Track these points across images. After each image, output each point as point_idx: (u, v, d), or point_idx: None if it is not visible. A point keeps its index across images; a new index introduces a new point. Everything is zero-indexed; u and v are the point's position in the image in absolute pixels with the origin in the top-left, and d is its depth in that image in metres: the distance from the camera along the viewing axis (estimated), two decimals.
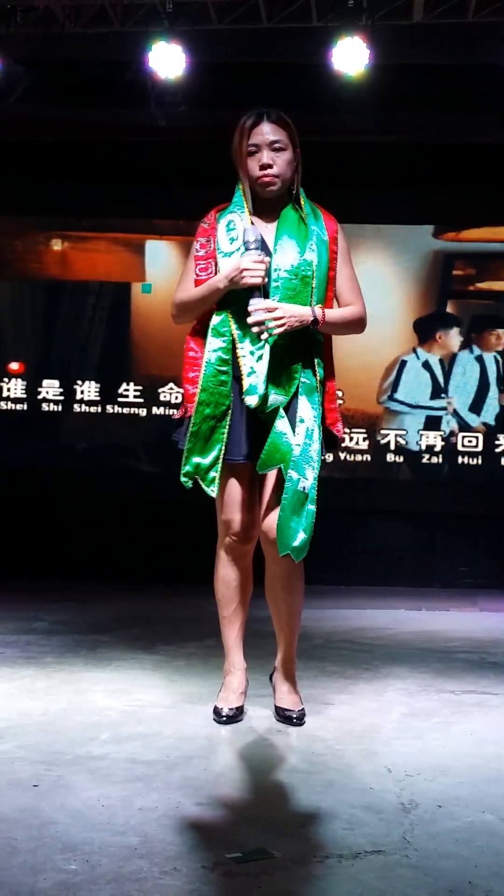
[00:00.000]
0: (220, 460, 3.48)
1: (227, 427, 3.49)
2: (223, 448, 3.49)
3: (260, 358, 3.45)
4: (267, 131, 3.54)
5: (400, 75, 7.23)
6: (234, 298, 3.50)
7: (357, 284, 3.66)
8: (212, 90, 7.16)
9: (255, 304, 3.41)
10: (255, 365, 3.45)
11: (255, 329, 3.41)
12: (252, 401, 3.43)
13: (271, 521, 3.48)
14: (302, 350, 3.51)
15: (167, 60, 6.73)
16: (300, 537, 3.38)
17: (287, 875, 2.33)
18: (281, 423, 3.43)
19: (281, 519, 3.39)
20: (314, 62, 6.84)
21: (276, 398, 3.46)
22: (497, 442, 8.31)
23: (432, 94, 7.54)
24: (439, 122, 7.82)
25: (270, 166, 3.52)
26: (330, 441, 3.64)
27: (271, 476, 3.52)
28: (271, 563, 3.58)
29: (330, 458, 3.75)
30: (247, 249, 3.43)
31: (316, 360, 3.54)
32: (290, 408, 3.48)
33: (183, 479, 3.50)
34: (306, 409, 3.47)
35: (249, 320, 3.42)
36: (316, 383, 3.50)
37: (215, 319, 3.53)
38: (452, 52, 7.12)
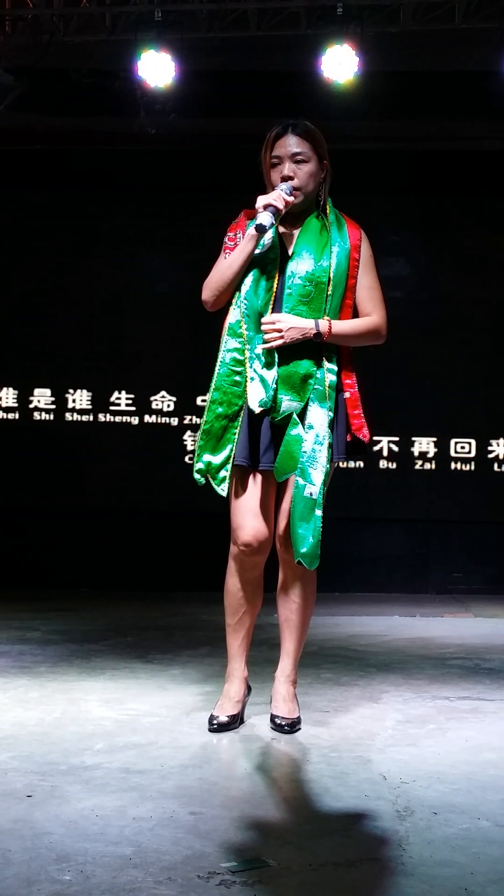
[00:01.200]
0: (231, 461, 3.47)
1: (238, 427, 3.48)
2: (234, 448, 3.48)
3: (267, 365, 3.45)
4: (290, 143, 3.55)
5: (389, 82, 7.26)
6: (250, 302, 3.49)
7: (378, 294, 3.64)
8: (202, 98, 7.18)
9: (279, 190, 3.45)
10: (261, 371, 3.45)
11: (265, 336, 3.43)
12: (254, 407, 3.42)
13: (287, 527, 3.49)
14: (314, 355, 3.51)
15: (157, 68, 6.75)
16: (309, 542, 3.39)
17: (282, 884, 2.32)
18: (295, 430, 3.43)
19: (291, 526, 3.40)
20: (304, 70, 6.86)
21: (290, 404, 3.46)
22: (490, 448, 8.32)
23: (422, 101, 7.57)
24: (429, 129, 7.85)
25: (291, 178, 3.53)
26: (358, 447, 3.64)
27: (289, 483, 3.51)
28: (286, 568, 3.60)
29: (362, 464, 3.75)
30: (256, 230, 3.43)
31: (328, 366, 3.53)
32: (301, 414, 3.47)
33: (196, 475, 3.50)
34: (317, 415, 3.46)
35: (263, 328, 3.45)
36: (325, 388, 3.50)
37: (232, 317, 3.53)
38: (441, 58, 7.14)
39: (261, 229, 3.41)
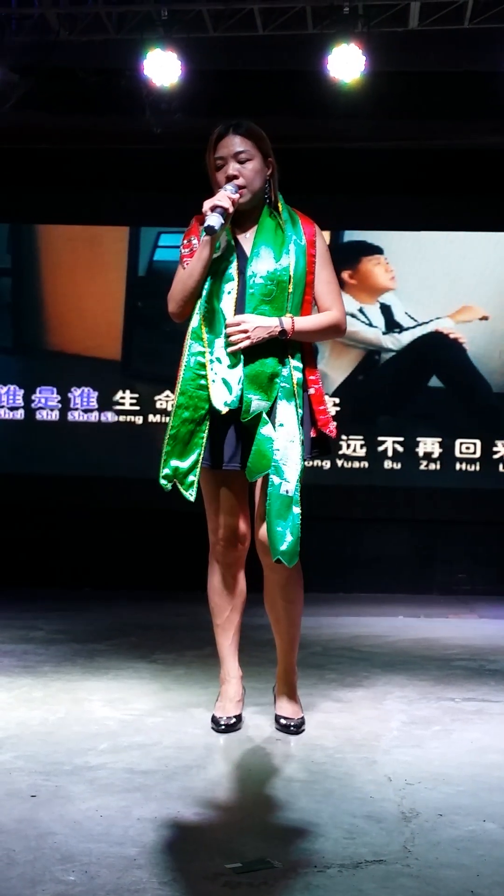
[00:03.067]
0: (199, 465, 3.46)
1: (206, 431, 3.47)
2: (202, 453, 3.47)
3: (231, 366, 3.44)
4: (233, 143, 3.54)
5: (396, 82, 7.25)
6: (209, 304, 3.49)
7: (336, 288, 3.65)
8: (207, 97, 7.16)
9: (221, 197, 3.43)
10: (225, 373, 3.44)
11: (231, 339, 3.42)
12: (220, 408, 3.41)
13: (264, 528, 3.48)
14: (279, 353, 3.50)
15: (162, 68, 6.75)
16: (287, 540, 3.37)
17: (287, 885, 2.31)
18: (266, 429, 3.42)
19: (268, 524, 3.38)
20: (310, 69, 6.85)
21: (258, 403, 3.44)
22: (495, 449, 8.31)
23: (429, 101, 7.56)
24: (436, 129, 7.83)
25: (235, 177, 3.52)
26: (324, 443, 3.63)
27: (261, 483, 3.50)
28: (269, 571, 3.57)
29: (328, 464, 3.74)
30: (206, 233, 3.42)
31: (293, 364, 3.52)
32: (270, 412, 3.46)
33: (162, 481, 3.49)
34: (286, 413, 3.45)
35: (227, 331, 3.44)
36: (293, 386, 3.49)
37: (194, 322, 3.51)
38: (449, 58, 7.13)
39: (211, 231, 3.39)
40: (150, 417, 8.43)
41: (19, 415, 8.50)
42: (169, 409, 8.22)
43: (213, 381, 3.43)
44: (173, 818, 2.70)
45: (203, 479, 3.53)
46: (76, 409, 8.47)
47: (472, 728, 3.74)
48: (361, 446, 8.31)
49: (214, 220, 3.39)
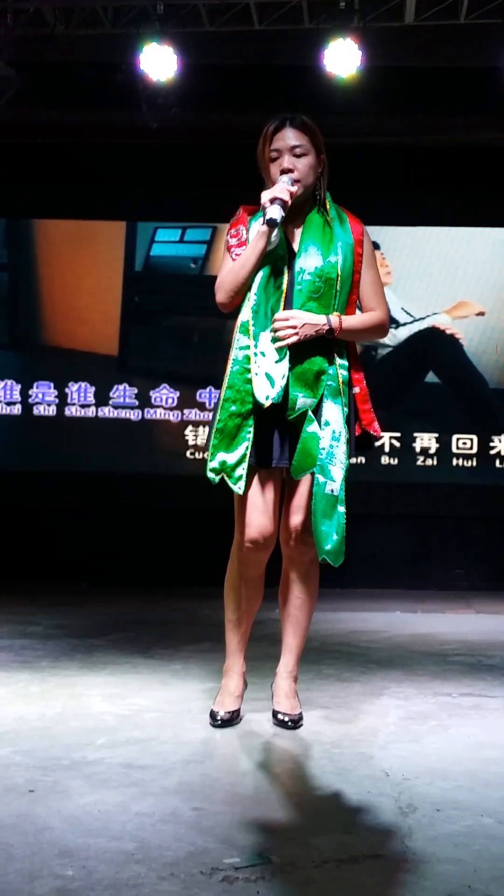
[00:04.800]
0: (247, 459, 3.44)
1: (252, 425, 3.46)
2: (250, 446, 3.45)
3: (277, 361, 3.43)
4: (289, 136, 3.52)
5: (392, 77, 7.24)
6: (258, 298, 3.47)
7: (381, 289, 3.64)
8: (203, 92, 7.16)
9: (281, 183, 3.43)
10: (269, 368, 3.42)
11: (278, 333, 3.42)
12: (262, 400, 3.40)
13: (296, 522, 3.51)
14: (326, 351, 3.49)
15: (159, 62, 6.74)
16: (333, 539, 3.40)
17: (285, 880, 2.31)
18: (312, 427, 3.42)
19: (314, 524, 3.39)
20: (306, 64, 6.85)
21: (304, 401, 3.44)
22: (492, 444, 8.31)
23: (425, 96, 7.56)
24: (432, 124, 7.83)
25: (290, 171, 3.51)
26: (367, 442, 3.64)
27: (302, 480, 3.50)
28: (290, 564, 3.59)
29: (363, 460, 3.75)
30: (267, 224, 3.42)
31: (339, 362, 3.52)
32: (316, 411, 3.46)
33: (210, 474, 3.44)
34: (332, 412, 3.45)
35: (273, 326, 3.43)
36: (339, 384, 3.49)
37: (244, 315, 3.50)
38: (445, 53, 7.13)
39: (272, 223, 3.39)
40: (147, 413, 8.42)
41: (16, 410, 8.49)
42: (166, 404, 8.32)
43: (256, 374, 3.41)
44: (171, 813, 2.70)
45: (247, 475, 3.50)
46: (73, 405, 8.47)
47: (469, 723, 3.74)
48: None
49: (276, 211, 3.38)
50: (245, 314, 3.48)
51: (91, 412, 8.47)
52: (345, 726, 3.65)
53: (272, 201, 3.41)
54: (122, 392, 8.45)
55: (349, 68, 6.66)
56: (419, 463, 8.34)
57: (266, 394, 3.40)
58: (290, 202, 3.44)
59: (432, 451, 8.34)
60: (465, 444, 8.32)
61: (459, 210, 8.41)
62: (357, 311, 3.62)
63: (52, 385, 8.49)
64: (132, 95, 7.26)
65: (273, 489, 3.57)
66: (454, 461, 8.33)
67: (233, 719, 3.61)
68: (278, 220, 3.39)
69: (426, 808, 2.78)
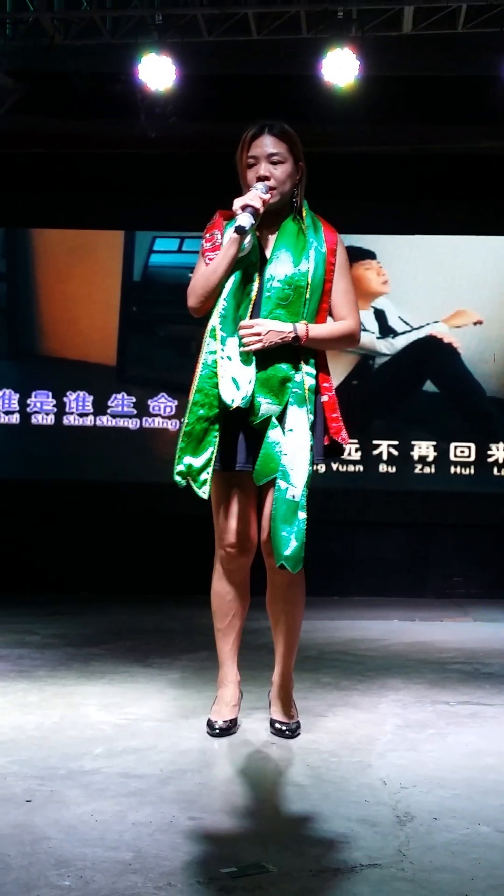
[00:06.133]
0: (213, 463, 3.46)
1: (219, 430, 3.47)
2: (216, 451, 3.47)
3: (243, 363, 3.44)
4: (266, 144, 3.54)
5: (390, 86, 7.25)
6: (228, 303, 3.49)
7: (353, 298, 3.66)
8: (202, 102, 7.17)
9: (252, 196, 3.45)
10: (235, 372, 3.44)
11: (243, 340, 3.43)
12: (228, 402, 3.41)
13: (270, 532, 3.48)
14: (292, 359, 3.50)
15: (157, 72, 6.74)
16: (292, 546, 3.37)
17: (282, 889, 2.31)
18: (274, 433, 3.43)
19: (273, 529, 3.39)
20: (304, 74, 6.85)
21: (269, 407, 3.45)
22: (489, 452, 8.31)
23: (423, 105, 7.56)
24: (430, 133, 7.84)
25: (267, 178, 3.52)
26: (336, 450, 3.64)
27: (271, 488, 3.51)
28: (272, 573, 3.58)
29: (323, 468, 3.74)
30: (237, 232, 3.42)
31: (306, 370, 3.53)
32: (280, 417, 3.47)
33: (176, 478, 3.47)
34: (296, 418, 3.46)
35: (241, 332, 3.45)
36: (305, 391, 3.50)
37: (213, 321, 3.51)
38: (443, 62, 7.13)
39: (241, 231, 3.40)
40: (146, 422, 8.42)
41: (15, 419, 8.49)
42: (164, 413, 8.32)
43: (223, 377, 3.43)
44: (168, 822, 2.70)
45: (214, 483, 3.52)
46: (72, 413, 8.47)
47: (466, 731, 3.75)
48: (356, 450, 8.31)
49: (245, 219, 3.39)
50: (214, 319, 3.51)
51: (89, 421, 8.47)
52: (342, 735, 3.65)
53: (243, 208, 3.42)
54: (121, 401, 8.46)
55: (347, 78, 6.66)
56: (417, 471, 8.34)
57: (232, 397, 3.41)
58: (261, 210, 3.45)
59: (430, 458, 8.34)
60: (462, 451, 8.32)
61: (457, 218, 8.42)
62: (329, 320, 3.63)
63: (50, 394, 8.49)
64: (131, 105, 7.27)
65: (246, 494, 3.59)
66: (452, 469, 8.33)
67: (230, 728, 3.61)
68: (247, 228, 3.40)
69: (424, 817, 2.78)
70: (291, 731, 3.60)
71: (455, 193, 8.28)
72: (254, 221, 3.42)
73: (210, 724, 3.61)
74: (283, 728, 3.61)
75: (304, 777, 3.17)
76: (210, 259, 3.54)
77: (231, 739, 3.57)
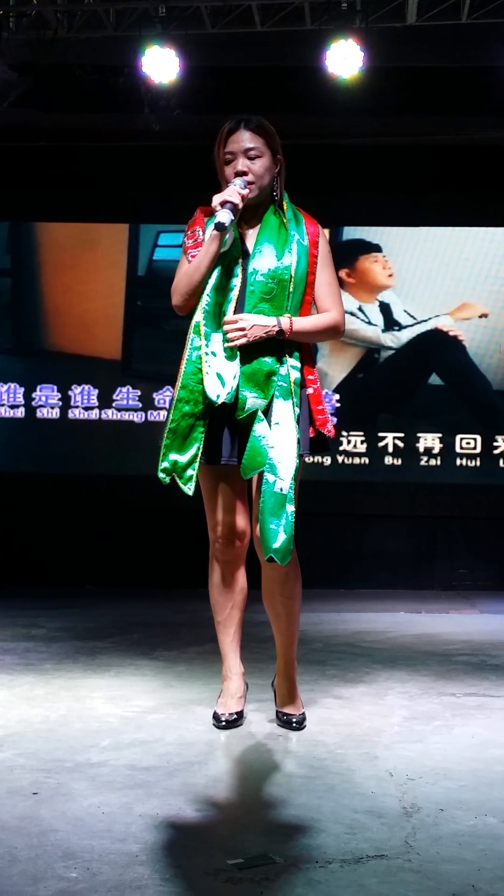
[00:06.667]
0: (198, 459, 3.46)
1: (205, 426, 3.47)
2: (201, 447, 3.47)
3: (227, 359, 3.44)
4: (243, 139, 3.53)
5: (394, 77, 7.24)
6: (211, 299, 3.48)
7: (336, 290, 3.65)
8: (206, 94, 7.16)
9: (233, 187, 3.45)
10: (219, 367, 3.44)
11: (228, 336, 3.43)
12: (213, 398, 3.41)
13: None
14: (276, 352, 3.50)
15: (161, 65, 6.74)
16: (280, 538, 3.35)
17: (289, 881, 2.31)
18: (260, 427, 3.42)
19: (261, 522, 3.38)
20: (308, 65, 6.84)
21: (254, 401, 3.44)
22: (495, 444, 8.30)
23: (427, 96, 7.55)
24: (434, 124, 7.83)
25: (245, 173, 3.51)
26: (322, 443, 3.63)
27: (258, 481, 3.51)
28: (267, 568, 3.57)
29: (328, 460, 3.74)
30: (216, 228, 3.42)
31: (291, 363, 3.52)
32: (266, 410, 3.46)
33: (160, 475, 3.49)
34: (282, 411, 3.45)
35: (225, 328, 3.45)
36: (290, 384, 3.49)
37: (197, 317, 3.51)
38: (447, 53, 7.12)
39: (221, 227, 3.39)
40: (151, 415, 8.42)
41: (20, 413, 8.50)
42: (169, 407, 8.32)
43: (207, 373, 3.44)
44: (175, 815, 2.71)
45: (201, 476, 3.53)
46: (77, 407, 8.48)
47: (473, 723, 3.74)
48: (362, 442, 8.31)
49: (224, 216, 3.38)
50: (197, 315, 3.51)
51: (94, 414, 8.47)
52: (349, 727, 3.65)
53: (222, 205, 3.41)
54: (126, 394, 8.46)
55: (351, 69, 6.65)
56: (423, 463, 8.34)
57: (217, 392, 3.41)
58: (240, 205, 3.44)
59: (436, 451, 8.34)
60: (468, 443, 8.31)
61: (462, 210, 8.41)
62: (313, 312, 3.63)
63: (55, 388, 8.50)
64: (135, 98, 7.26)
65: (234, 486, 3.59)
66: (458, 461, 8.33)
67: (236, 721, 3.61)
68: (227, 224, 3.39)
69: (430, 808, 2.78)
70: (298, 723, 3.60)
71: (460, 185, 8.26)
72: (233, 217, 3.42)
73: (216, 717, 3.62)
74: (290, 720, 3.61)
75: (311, 769, 3.17)
76: (192, 256, 3.54)
77: (237, 731, 3.57)
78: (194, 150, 8.16)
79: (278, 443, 3.41)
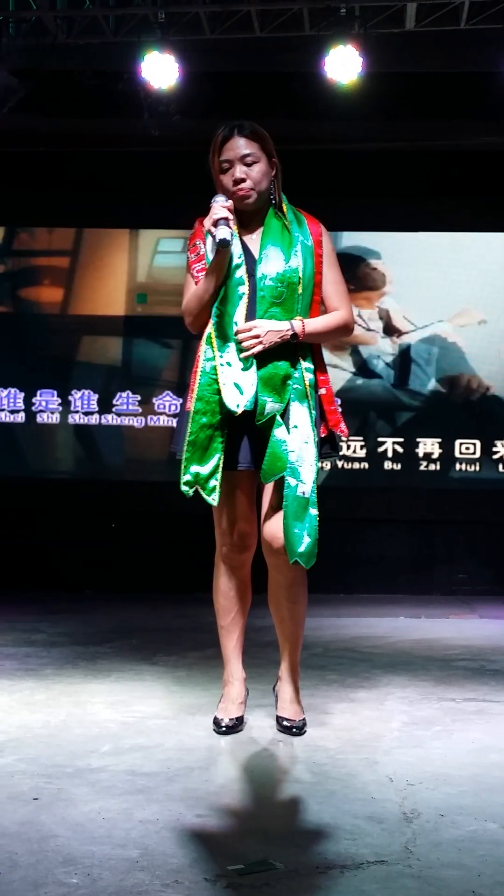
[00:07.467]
0: (220, 470, 3.46)
1: (224, 436, 3.48)
2: (222, 457, 3.47)
3: (244, 369, 3.45)
4: (239, 145, 3.53)
5: (393, 83, 7.25)
6: (221, 309, 3.49)
7: (343, 288, 3.66)
8: (205, 99, 7.17)
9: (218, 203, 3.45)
10: (236, 377, 3.44)
11: (243, 344, 3.43)
12: (233, 409, 3.42)
13: (273, 529, 3.48)
14: (291, 356, 3.50)
15: (160, 70, 6.76)
16: (305, 542, 3.38)
17: (290, 886, 2.31)
18: (279, 431, 3.43)
19: (285, 526, 3.39)
20: (307, 71, 6.86)
21: (272, 406, 3.45)
22: (495, 449, 8.31)
23: (426, 102, 7.57)
24: (433, 129, 7.84)
25: (243, 180, 3.52)
26: (333, 443, 3.64)
27: (271, 484, 3.51)
28: (274, 572, 3.57)
29: (328, 465, 3.75)
30: (216, 245, 3.42)
31: (305, 365, 3.53)
32: (283, 414, 3.47)
33: (183, 487, 3.47)
34: (300, 415, 3.46)
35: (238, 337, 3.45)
36: (305, 387, 3.50)
37: (209, 328, 3.52)
38: (445, 59, 7.14)
39: (225, 244, 3.38)
40: (151, 420, 8.43)
41: (20, 417, 8.50)
42: (169, 411, 8.32)
43: (224, 384, 3.44)
44: (175, 820, 2.71)
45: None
46: (77, 412, 8.48)
47: (473, 728, 3.74)
48: (361, 447, 8.32)
49: (225, 232, 3.37)
50: (209, 327, 3.51)
51: (94, 419, 8.47)
52: (349, 732, 3.65)
53: (216, 224, 3.40)
54: (126, 399, 8.46)
55: (350, 75, 6.67)
56: (422, 468, 8.34)
57: (237, 402, 3.42)
58: (232, 216, 3.44)
59: (435, 456, 8.34)
60: (468, 448, 8.32)
61: (461, 216, 8.42)
62: (322, 312, 3.63)
63: (55, 393, 8.51)
64: (134, 103, 7.28)
65: (246, 492, 3.60)
66: (457, 466, 8.34)
67: (237, 726, 3.61)
68: (230, 240, 3.38)
69: (430, 814, 2.78)
70: (298, 729, 3.60)
71: (459, 190, 8.28)
72: (232, 230, 3.42)
73: (217, 722, 3.62)
74: (290, 725, 3.60)
75: (311, 774, 3.17)
76: (197, 272, 3.54)
77: (238, 737, 3.57)
78: (194, 155, 8.16)
79: (298, 447, 3.42)
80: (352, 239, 8.47)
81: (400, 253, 8.46)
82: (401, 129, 7.87)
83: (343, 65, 6.61)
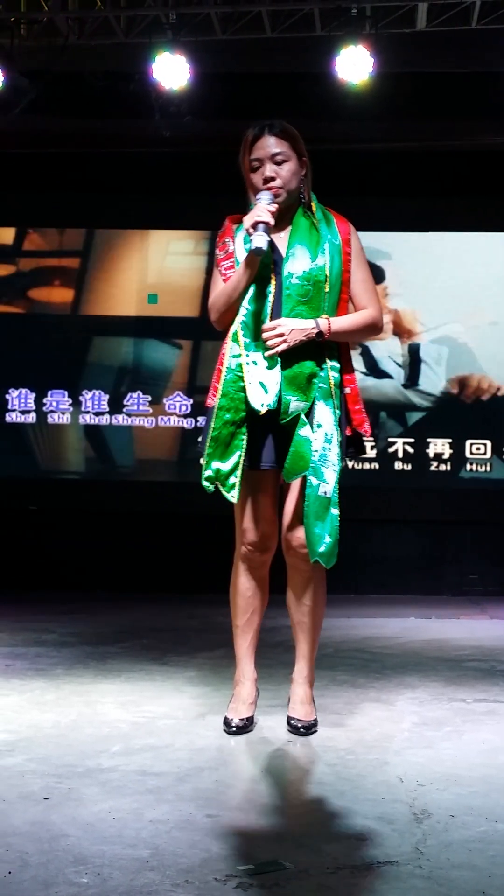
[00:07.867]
0: (241, 467, 3.47)
1: (246, 433, 3.48)
2: (243, 454, 3.47)
3: (269, 368, 3.45)
4: (269, 144, 3.53)
5: (404, 83, 7.25)
6: (248, 307, 3.49)
7: (372, 286, 3.65)
8: (216, 100, 7.18)
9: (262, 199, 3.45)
10: (262, 376, 3.45)
11: (268, 343, 3.43)
12: (258, 408, 3.43)
13: (295, 529, 3.49)
14: (316, 355, 3.50)
15: (171, 71, 6.76)
16: (326, 542, 3.39)
17: (300, 887, 2.31)
18: (304, 431, 3.43)
19: (306, 526, 3.39)
20: (318, 71, 6.86)
21: (297, 405, 3.45)
22: None
23: (437, 102, 7.56)
24: (444, 129, 7.83)
25: (273, 179, 3.52)
26: (359, 442, 3.64)
27: (294, 484, 3.51)
28: (293, 572, 3.58)
29: (349, 464, 3.75)
30: (255, 254, 3.42)
31: (330, 364, 3.53)
32: (308, 413, 3.47)
33: (204, 482, 3.47)
34: (324, 414, 3.47)
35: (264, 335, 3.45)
36: (331, 387, 3.50)
37: (235, 325, 3.53)
38: (456, 59, 7.13)
39: (259, 252, 3.39)
40: (161, 420, 8.44)
41: (31, 418, 8.52)
42: (179, 412, 8.33)
43: (250, 383, 3.44)
44: (186, 820, 2.71)
45: (241, 480, 3.52)
46: (87, 412, 8.49)
47: (483, 729, 3.74)
48: (372, 448, 8.31)
49: (261, 240, 3.37)
50: (235, 324, 3.52)
51: (105, 420, 8.48)
52: (359, 732, 3.65)
53: (255, 227, 3.40)
54: (136, 399, 8.47)
55: (361, 75, 6.67)
56: (433, 468, 8.33)
57: (262, 401, 3.42)
58: (272, 222, 3.43)
59: (446, 456, 8.33)
60: (478, 449, 8.31)
61: (472, 216, 8.41)
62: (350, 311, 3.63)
63: (66, 393, 8.52)
64: (145, 104, 7.29)
65: (268, 492, 3.60)
66: (468, 466, 8.33)
67: (247, 726, 3.61)
68: (264, 248, 3.39)
69: (440, 814, 2.78)
70: (307, 729, 3.60)
71: (470, 190, 8.27)
72: (269, 238, 3.42)
73: (227, 722, 3.62)
74: (300, 726, 3.60)
75: (321, 774, 3.17)
76: (226, 270, 3.55)
77: (248, 737, 3.57)
78: (205, 156, 8.23)
79: (321, 446, 3.42)
80: (361, 239, 8.43)
81: (410, 253, 8.45)
82: (412, 129, 7.86)
83: (354, 65, 6.61)
